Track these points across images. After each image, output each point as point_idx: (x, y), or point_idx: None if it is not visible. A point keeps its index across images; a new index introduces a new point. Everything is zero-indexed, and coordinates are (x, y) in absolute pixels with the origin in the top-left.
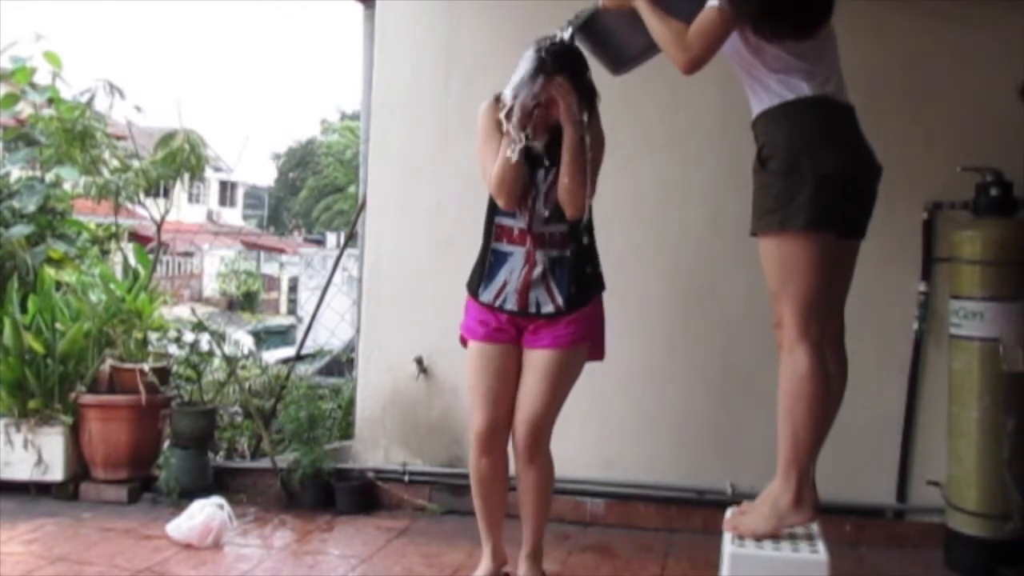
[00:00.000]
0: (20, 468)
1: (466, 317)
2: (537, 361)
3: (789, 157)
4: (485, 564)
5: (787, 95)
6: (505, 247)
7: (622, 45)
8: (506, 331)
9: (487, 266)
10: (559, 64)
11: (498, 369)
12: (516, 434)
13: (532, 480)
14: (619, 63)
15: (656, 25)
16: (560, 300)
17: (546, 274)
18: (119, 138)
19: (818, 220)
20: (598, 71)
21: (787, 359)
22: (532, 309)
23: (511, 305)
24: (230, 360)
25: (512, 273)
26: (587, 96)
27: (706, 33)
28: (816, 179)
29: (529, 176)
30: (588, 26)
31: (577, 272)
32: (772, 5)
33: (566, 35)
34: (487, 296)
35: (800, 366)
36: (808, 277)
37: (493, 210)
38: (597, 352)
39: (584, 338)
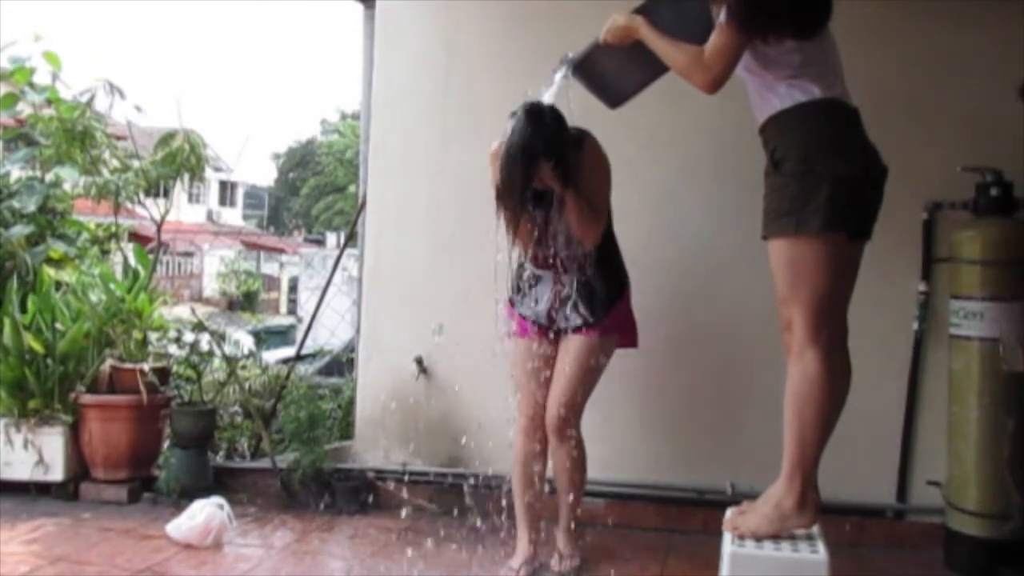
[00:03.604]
0: (20, 468)
1: (507, 315)
2: (569, 349)
3: (804, 159)
4: (522, 550)
5: (799, 98)
6: (536, 270)
7: (620, 81)
8: (542, 333)
9: (521, 283)
10: (536, 154)
11: (538, 361)
12: (548, 415)
13: (564, 458)
14: (617, 98)
15: (669, 51)
16: (587, 314)
17: (573, 295)
18: (119, 138)
19: (833, 222)
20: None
21: (796, 363)
22: (562, 324)
23: (543, 321)
24: (230, 360)
25: (543, 295)
26: (572, 157)
27: (723, 50)
28: (832, 181)
29: (544, 219)
30: (585, 63)
31: (602, 285)
32: (768, 5)
33: (560, 75)
34: (523, 309)
35: (810, 370)
36: (820, 279)
37: None
38: (629, 340)
39: (613, 331)
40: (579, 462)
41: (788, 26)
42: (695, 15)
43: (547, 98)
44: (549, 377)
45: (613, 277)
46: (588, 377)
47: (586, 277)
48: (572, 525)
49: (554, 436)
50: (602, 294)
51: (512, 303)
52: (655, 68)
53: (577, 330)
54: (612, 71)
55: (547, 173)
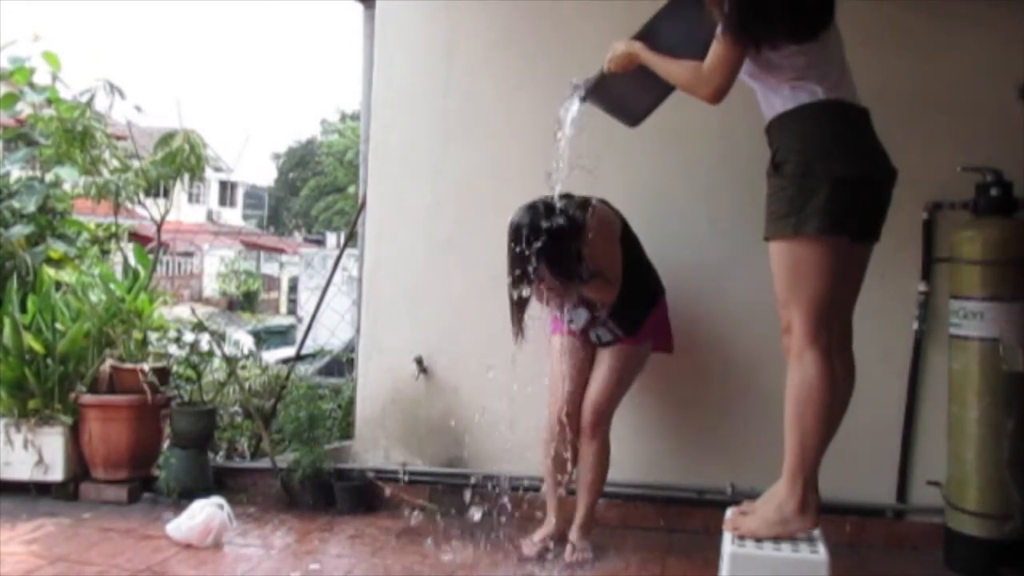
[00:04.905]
0: (20, 468)
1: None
2: (603, 356)
3: (803, 161)
4: (548, 525)
5: (802, 99)
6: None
7: (632, 101)
8: (579, 335)
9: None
10: (530, 266)
11: (572, 358)
12: (582, 415)
13: (590, 457)
14: (633, 117)
15: (669, 69)
16: (619, 331)
17: (606, 320)
18: (119, 138)
19: (832, 224)
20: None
21: (796, 365)
22: (594, 340)
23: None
24: (230, 360)
25: (580, 318)
26: (571, 251)
27: (720, 62)
28: (831, 183)
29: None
30: (596, 90)
31: (630, 306)
32: (760, 11)
33: (576, 103)
34: (564, 317)
35: (810, 373)
36: (819, 282)
37: None
38: (663, 345)
39: (646, 338)
40: (602, 462)
41: (783, 34)
42: (699, 29)
43: (565, 126)
44: (581, 376)
45: (640, 295)
46: (620, 382)
47: (614, 306)
48: (587, 520)
49: (585, 435)
50: (631, 314)
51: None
52: (664, 86)
53: (609, 343)
54: (624, 94)
55: (547, 276)
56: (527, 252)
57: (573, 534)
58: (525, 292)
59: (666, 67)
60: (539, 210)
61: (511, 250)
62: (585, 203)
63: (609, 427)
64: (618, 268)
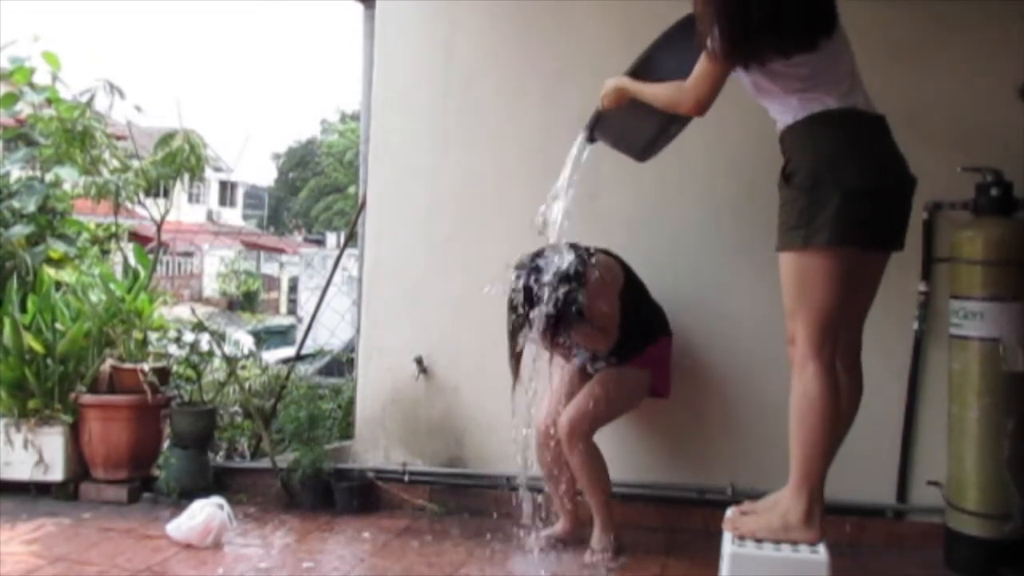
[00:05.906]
0: (20, 468)
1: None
2: (594, 375)
3: (813, 173)
4: (560, 525)
5: (813, 109)
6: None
7: (634, 134)
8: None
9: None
10: (530, 319)
11: (569, 384)
12: (558, 429)
13: (574, 467)
14: (640, 151)
15: (652, 92)
16: (614, 360)
17: (607, 357)
18: (119, 138)
19: (842, 236)
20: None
21: (798, 377)
22: (591, 371)
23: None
24: (230, 360)
25: (580, 356)
26: (571, 318)
27: (705, 75)
28: (841, 194)
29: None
30: (598, 128)
31: (628, 347)
32: (747, 31)
33: (580, 143)
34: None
35: (811, 386)
36: (826, 294)
37: None
38: (659, 384)
39: (642, 366)
40: (585, 471)
41: (771, 50)
42: (692, 61)
43: (569, 165)
44: (571, 395)
45: (639, 338)
46: (600, 401)
47: (612, 348)
48: (602, 522)
49: (564, 444)
50: (628, 352)
51: None
52: (661, 115)
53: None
54: (623, 128)
55: (544, 337)
56: (525, 320)
57: (592, 537)
58: (522, 345)
59: (649, 92)
60: (539, 274)
61: (509, 313)
62: (586, 257)
63: (587, 442)
64: (615, 322)
